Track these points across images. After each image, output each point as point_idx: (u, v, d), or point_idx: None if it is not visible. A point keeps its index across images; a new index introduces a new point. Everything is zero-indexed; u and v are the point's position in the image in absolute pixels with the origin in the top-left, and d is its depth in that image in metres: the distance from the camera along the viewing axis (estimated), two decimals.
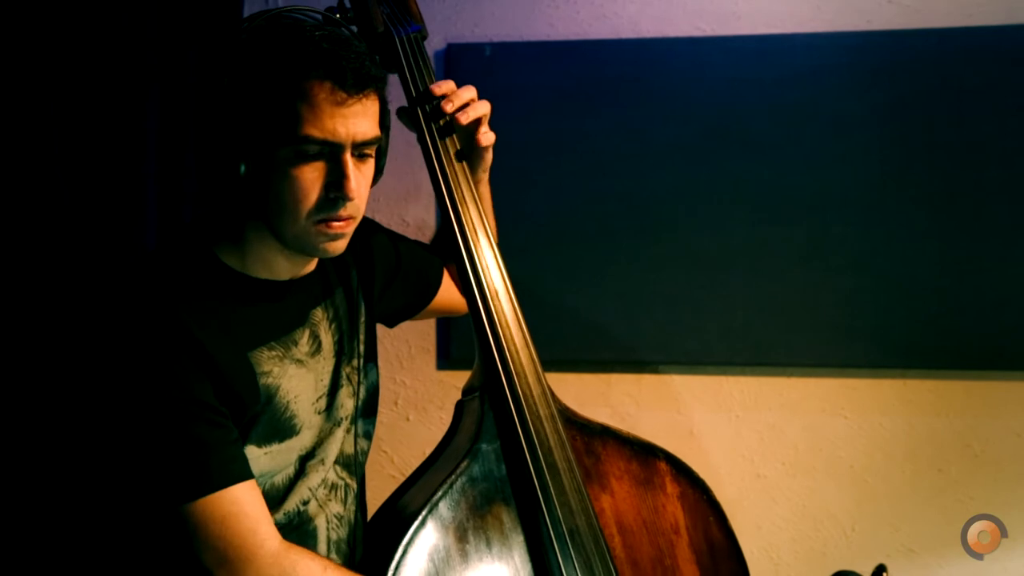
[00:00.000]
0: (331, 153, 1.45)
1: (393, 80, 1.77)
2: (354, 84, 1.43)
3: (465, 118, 1.69)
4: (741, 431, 2.55)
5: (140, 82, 2.23)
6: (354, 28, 1.65)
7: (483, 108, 1.72)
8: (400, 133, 1.78)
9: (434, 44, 2.54)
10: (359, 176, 1.48)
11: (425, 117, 1.71)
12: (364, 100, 1.45)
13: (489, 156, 1.79)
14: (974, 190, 2.38)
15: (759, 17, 2.46)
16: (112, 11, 2.19)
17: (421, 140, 1.72)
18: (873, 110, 2.40)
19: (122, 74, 2.21)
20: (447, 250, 1.93)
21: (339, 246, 1.52)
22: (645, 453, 1.75)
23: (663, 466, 1.75)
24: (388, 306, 1.87)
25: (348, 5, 1.76)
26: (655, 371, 2.55)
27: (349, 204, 1.47)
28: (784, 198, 2.44)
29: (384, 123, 1.54)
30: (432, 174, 1.71)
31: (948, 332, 2.42)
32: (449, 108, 1.68)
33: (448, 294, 1.96)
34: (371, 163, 1.53)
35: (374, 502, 1.74)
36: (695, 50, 2.47)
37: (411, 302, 1.93)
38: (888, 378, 2.48)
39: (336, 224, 1.48)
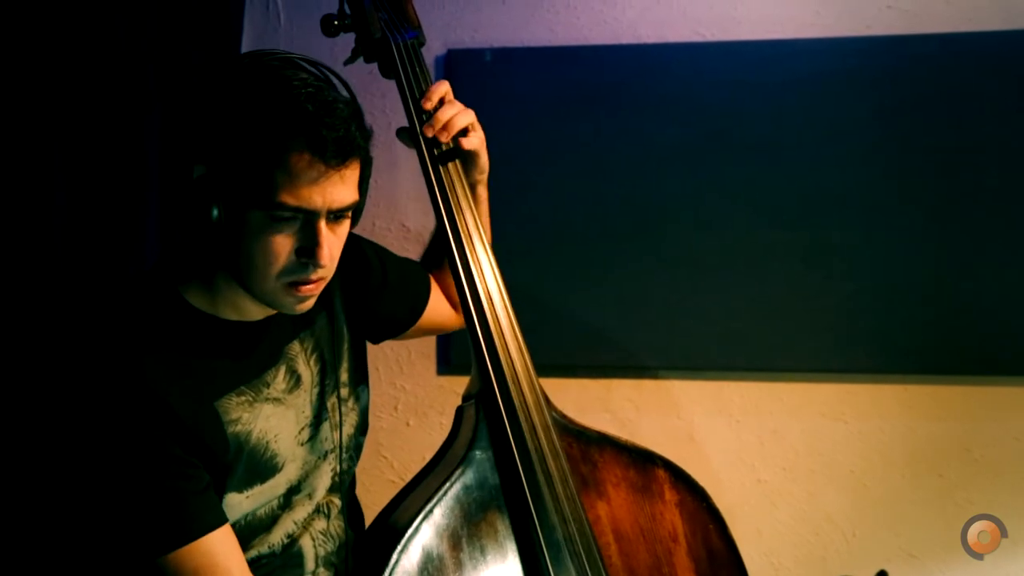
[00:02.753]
0: (305, 219, 1.42)
1: (391, 86, 1.77)
2: (335, 155, 1.39)
3: (446, 136, 1.69)
4: (741, 436, 2.54)
5: (141, 93, 2.23)
6: (343, 89, 1.53)
7: (464, 120, 1.70)
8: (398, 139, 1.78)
9: (434, 50, 2.54)
10: (332, 240, 1.45)
11: (420, 127, 1.71)
12: (344, 171, 1.42)
13: (482, 159, 1.77)
14: (974, 195, 2.38)
15: (759, 22, 2.46)
16: (111, 24, 2.19)
17: (417, 148, 1.72)
18: (873, 115, 2.40)
19: (123, 86, 2.21)
20: (439, 257, 1.95)
21: (307, 306, 1.50)
22: (643, 460, 1.75)
23: (661, 473, 1.75)
24: (374, 322, 1.85)
25: (348, 11, 1.76)
26: (655, 376, 2.55)
27: (320, 269, 1.45)
28: (784, 203, 2.44)
29: (364, 179, 1.51)
30: (427, 178, 1.71)
31: (948, 337, 2.41)
32: (430, 133, 1.68)
33: (436, 311, 1.94)
34: (346, 223, 1.50)
35: (374, 508, 1.75)
36: (695, 55, 2.47)
37: (398, 318, 1.90)
38: (888, 383, 2.47)
39: (305, 288, 1.46)
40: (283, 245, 1.42)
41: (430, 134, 1.69)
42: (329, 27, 1.74)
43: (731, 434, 2.55)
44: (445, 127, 1.68)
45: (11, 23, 2.07)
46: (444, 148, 1.71)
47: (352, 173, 1.45)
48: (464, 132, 1.71)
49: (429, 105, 1.69)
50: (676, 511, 1.74)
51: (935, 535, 2.48)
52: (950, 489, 2.47)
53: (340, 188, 1.42)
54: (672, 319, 2.49)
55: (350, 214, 1.50)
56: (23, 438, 2.06)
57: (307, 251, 1.43)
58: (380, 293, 1.83)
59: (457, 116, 1.69)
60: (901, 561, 2.50)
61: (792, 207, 2.44)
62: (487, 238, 1.77)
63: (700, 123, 2.46)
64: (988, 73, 2.35)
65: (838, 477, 2.51)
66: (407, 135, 1.74)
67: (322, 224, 1.42)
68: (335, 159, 1.39)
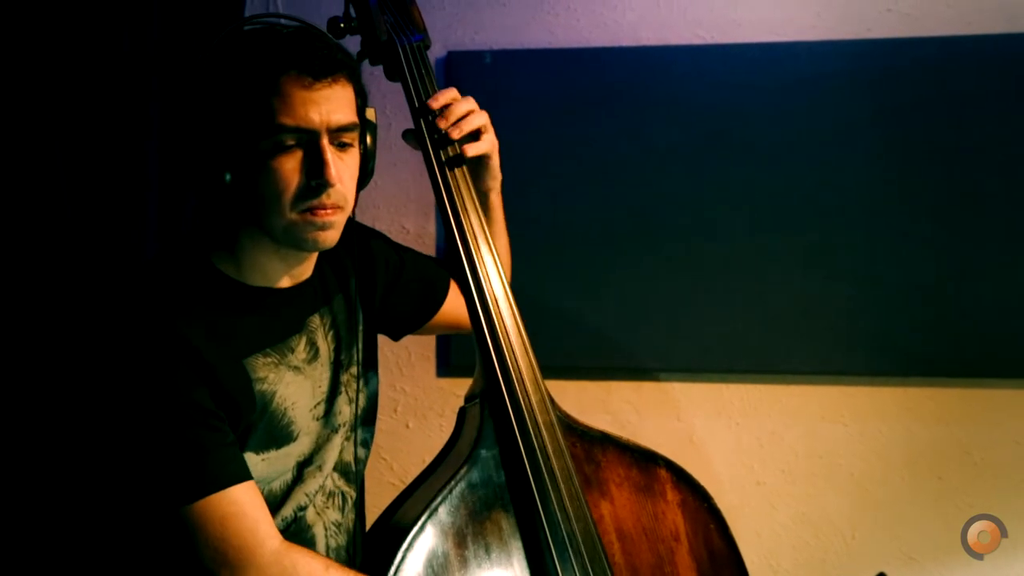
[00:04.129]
0: (308, 141, 1.46)
1: (397, 89, 1.78)
2: (322, 69, 1.44)
3: (458, 133, 1.68)
4: (741, 438, 2.55)
5: (142, 87, 2.24)
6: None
7: (478, 120, 1.70)
8: (400, 140, 1.78)
9: (435, 52, 2.54)
10: (340, 163, 1.48)
11: (427, 128, 1.71)
12: (333, 85, 1.46)
13: (494, 163, 1.77)
14: (974, 197, 2.38)
15: (759, 25, 2.46)
16: (114, 17, 2.20)
17: (423, 149, 1.72)
18: (873, 118, 2.41)
19: (124, 79, 2.21)
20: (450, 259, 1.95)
21: (329, 237, 1.51)
22: (645, 460, 1.75)
23: (663, 473, 1.75)
24: (390, 315, 1.87)
25: (353, 14, 1.77)
26: (655, 378, 2.56)
27: (333, 192, 1.47)
28: (784, 205, 2.45)
29: (362, 114, 1.55)
30: (433, 180, 1.71)
31: (948, 339, 2.42)
32: (443, 125, 1.68)
33: (454, 309, 1.93)
34: (354, 154, 1.53)
35: (374, 510, 1.75)
36: (695, 58, 2.47)
37: (414, 313, 1.92)
38: (888, 385, 2.48)
39: (322, 212, 1.48)
40: (292, 171, 1.46)
41: (443, 126, 1.69)
42: (335, 30, 1.75)
43: (731, 436, 2.55)
44: (457, 123, 1.69)
45: (18, 25, 2.07)
46: (451, 150, 1.71)
47: (344, 91, 1.49)
48: (476, 135, 1.71)
49: (436, 105, 1.70)
50: (678, 511, 1.74)
51: (934, 537, 2.48)
52: (949, 492, 2.48)
53: (334, 104, 1.47)
54: (672, 321, 2.50)
55: (355, 143, 1.53)
56: (53, 396, 2.08)
57: (316, 171, 1.46)
58: (395, 285, 1.85)
59: (471, 115, 1.70)
60: (900, 563, 2.50)
61: (793, 210, 2.44)
62: (504, 250, 1.80)
63: (700, 125, 2.46)
64: (989, 76, 2.35)
65: (837, 479, 2.52)
66: (413, 136, 1.75)
67: (325, 143, 1.46)
68: (322, 72, 1.45)
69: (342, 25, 1.75)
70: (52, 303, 2.11)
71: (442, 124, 1.69)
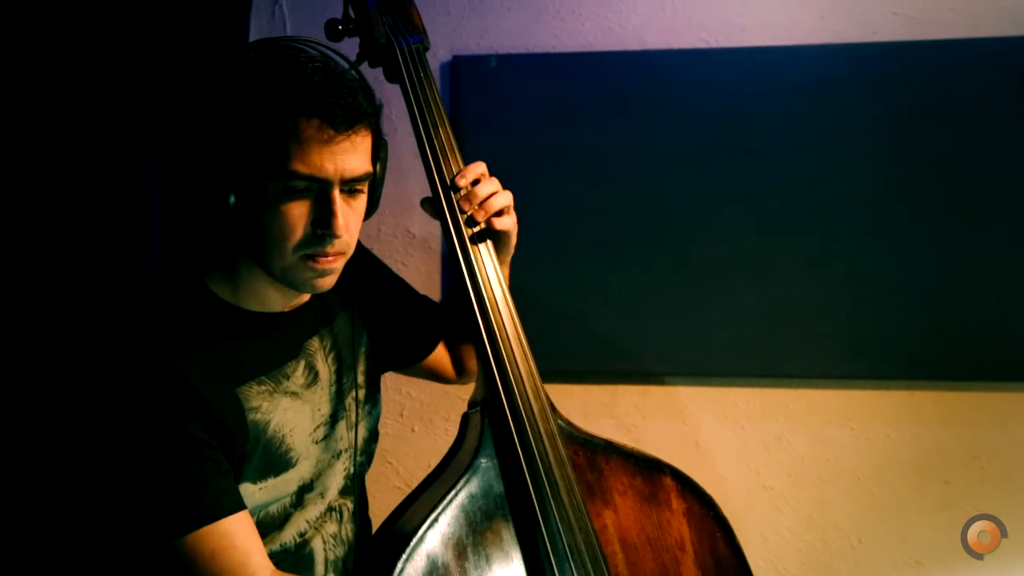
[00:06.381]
0: (319, 189, 1.43)
1: (394, 90, 1.78)
2: (343, 121, 1.41)
3: (483, 215, 1.68)
4: (747, 442, 2.54)
5: (147, 92, 2.23)
6: (346, 60, 1.56)
7: (502, 200, 1.70)
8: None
9: (440, 56, 2.54)
10: (348, 212, 1.46)
11: (448, 206, 1.70)
12: (354, 137, 1.43)
13: (513, 241, 1.76)
14: (979, 201, 2.37)
15: (764, 29, 2.45)
16: (119, 21, 2.19)
17: (443, 222, 1.71)
18: (877, 121, 2.39)
19: (132, 92, 2.21)
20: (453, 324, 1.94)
21: (327, 282, 1.50)
22: (650, 468, 1.74)
23: (668, 481, 1.75)
24: (388, 341, 1.85)
25: (352, 16, 1.77)
26: (661, 382, 2.55)
27: (337, 242, 1.45)
28: (789, 209, 2.44)
29: (377, 156, 1.52)
30: (431, 182, 1.72)
31: (954, 343, 2.40)
32: (468, 208, 1.68)
33: (437, 359, 1.95)
34: (362, 198, 1.51)
35: (379, 515, 1.75)
36: (700, 62, 2.46)
37: (403, 353, 1.91)
38: (894, 389, 2.47)
39: (323, 260, 1.46)
40: (299, 217, 1.43)
41: (468, 209, 1.68)
42: (333, 32, 1.75)
43: (737, 440, 2.54)
44: (483, 205, 1.69)
45: (23, 24, 2.07)
46: (475, 226, 1.70)
47: (363, 141, 1.46)
48: (499, 213, 1.71)
49: (463, 183, 1.69)
50: (683, 519, 1.74)
51: (941, 542, 2.47)
52: (957, 496, 2.46)
53: (351, 156, 1.44)
54: (678, 325, 2.49)
55: (366, 189, 1.51)
56: (43, 424, 2.05)
57: (323, 221, 1.44)
58: (396, 316, 1.84)
59: (496, 196, 1.70)
60: (908, 568, 2.49)
61: (798, 213, 2.43)
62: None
63: (705, 129, 2.45)
64: (993, 79, 2.34)
65: (844, 484, 2.51)
66: (431, 205, 1.74)
67: (336, 194, 1.44)
68: (344, 124, 1.41)
69: (340, 27, 1.75)
70: (52, 320, 2.07)
71: (466, 207, 1.68)
